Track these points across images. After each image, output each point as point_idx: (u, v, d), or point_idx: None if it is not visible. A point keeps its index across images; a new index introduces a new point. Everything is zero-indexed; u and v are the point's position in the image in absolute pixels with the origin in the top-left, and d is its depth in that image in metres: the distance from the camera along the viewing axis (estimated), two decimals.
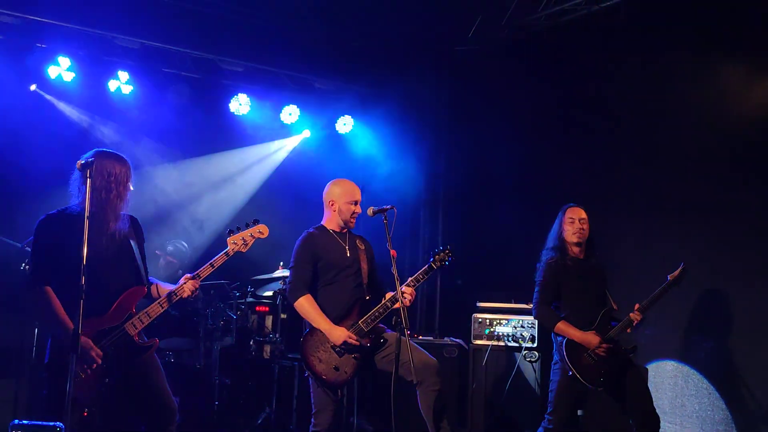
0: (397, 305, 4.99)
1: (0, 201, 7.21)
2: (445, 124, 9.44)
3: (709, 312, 6.74)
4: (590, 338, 5.44)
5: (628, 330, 5.51)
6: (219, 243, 4.94)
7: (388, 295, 5.31)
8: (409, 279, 5.28)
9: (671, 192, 7.01)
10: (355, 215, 5.43)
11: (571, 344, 5.47)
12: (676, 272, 5.51)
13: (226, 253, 4.71)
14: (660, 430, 5.42)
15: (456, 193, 9.08)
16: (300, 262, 5.32)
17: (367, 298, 5.34)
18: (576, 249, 5.72)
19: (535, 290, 5.74)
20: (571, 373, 5.40)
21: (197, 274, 4.60)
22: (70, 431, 3.78)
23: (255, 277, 7.82)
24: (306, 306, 5.21)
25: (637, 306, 5.50)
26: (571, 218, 5.72)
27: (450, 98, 9.39)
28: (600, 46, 7.57)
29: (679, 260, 5.57)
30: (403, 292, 5.07)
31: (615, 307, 5.64)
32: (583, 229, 5.70)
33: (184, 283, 4.56)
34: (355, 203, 5.42)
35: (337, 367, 5.11)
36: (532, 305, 5.80)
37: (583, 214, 5.73)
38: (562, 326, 5.52)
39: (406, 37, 8.86)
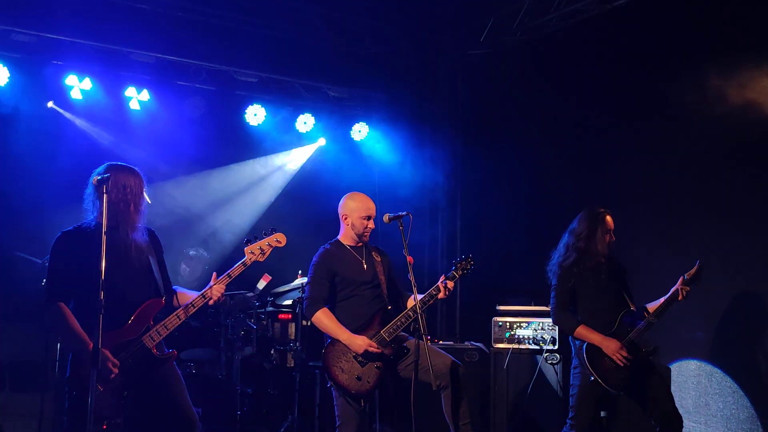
0: (422, 310, 5.00)
1: (18, 217, 7.28)
2: (460, 127, 9.43)
3: (731, 310, 6.68)
4: (609, 343, 5.36)
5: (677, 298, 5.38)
6: (237, 253, 4.95)
7: (410, 302, 5.31)
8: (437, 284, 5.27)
9: (689, 192, 6.93)
10: (368, 230, 5.43)
11: (592, 348, 5.40)
12: (692, 270, 5.45)
13: (244, 263, 4.70)
14: (684, 429, 5.37)
15: (473, 197, 9.06)
16: (316, 278, 5.34)
17: (389, 308, 5.34)
18: (602, 256, 5.60)
19: (552, 295, 5.65)
20: (593, 378, 5.34)
21: (210, 287, 4.60)
22: None
23: (274, 290, 7.81)
24: (323, 320, 5.23)
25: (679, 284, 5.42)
26: (607, 228, 5.58)
27: (464, 102, 9.38)
28: (613, 45, 7.50)
29: (698, 259, 5.51)
30: (445, 285, 5.17)
31: (633, 308, 5.58)
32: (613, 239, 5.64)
33: (209, 287, 4.56)
34: (368, 218, 5.41)
35: (359, 377, 5.11)
36: (551, 311, 5.69)
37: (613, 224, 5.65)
38: (582, 331, 5.45)
39: (419, 42, 8.88)
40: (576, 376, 5.52)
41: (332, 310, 5.32)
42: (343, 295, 5.35)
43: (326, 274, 5.32)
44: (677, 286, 5.44)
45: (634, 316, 5.51)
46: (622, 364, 5.32)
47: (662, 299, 5.49)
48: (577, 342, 5.53)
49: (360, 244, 5.50)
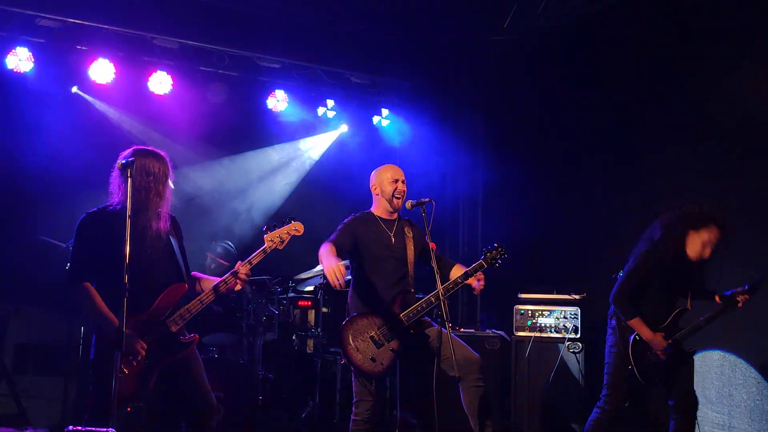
0: (444, 296, 4.96)
1: (42, 201, 7.35)
2: (483, 114, 9.38)
3: (756, 300, 6.58)
4: (658, 341, 5.27)
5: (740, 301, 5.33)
6: (257, 240, 4.95)
7: (454, 272, 5.25)
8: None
9: (716, 183, 6.81)
10: (399, 193, 5.35)
11: (639, 341, 5.33)
12: (756, 283, 5.36)
13: (264, 251, 4.69)
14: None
15: (495, 185, 9.01)
16: (340, 231, 5.32)
17: (411, 290, 5.32)
18: (689, 261, 5.35)
19: (621, 274, 5.44)
20: (630, 367, 5.30)
21: (236, 270, 4.61)
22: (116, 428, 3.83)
23: (296, 277, 7.83)
24: (323, 250, 5.09)
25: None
26: (704, 241, 5.27)
27: (487, 88, 9.31)
28: (643, 31, 7.39)
29: (749, 258, 5.37)
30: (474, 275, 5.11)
31: (689, 308, 5.47)
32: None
33: (234, 271, 4.55)
34: (397, 181, 5.38)
35: (373, 358, 5.10)
36: (613, 290, 5.41)
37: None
38: (635, 322, 5.30)
39: (442, 29, 8.82)
40: (611, 354, 5.43)
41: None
42: (367, 269, 5.30)
43: (350, 233, 5.30)
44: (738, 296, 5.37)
45: (687, 316, 5.42)
46: (664, 359, 5.29)
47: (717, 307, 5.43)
48: (612, 321, 5.46)
49: (394, 216, 5.45)
